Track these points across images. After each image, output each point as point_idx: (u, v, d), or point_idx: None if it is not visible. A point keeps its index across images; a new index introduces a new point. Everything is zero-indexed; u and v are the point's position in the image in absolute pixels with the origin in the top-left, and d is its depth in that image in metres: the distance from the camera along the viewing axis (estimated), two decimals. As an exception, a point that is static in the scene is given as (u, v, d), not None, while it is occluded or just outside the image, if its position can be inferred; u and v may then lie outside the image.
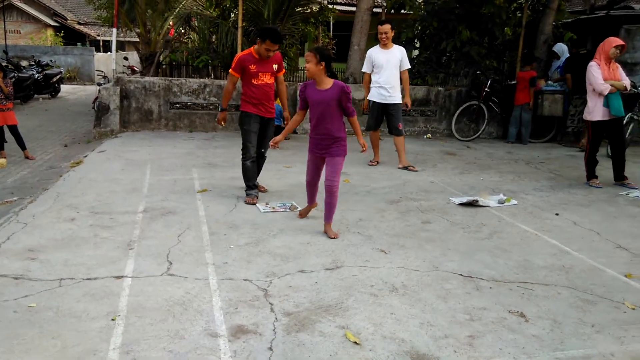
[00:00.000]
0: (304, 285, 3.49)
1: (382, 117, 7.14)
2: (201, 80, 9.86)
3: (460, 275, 3.77)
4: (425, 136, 9.99)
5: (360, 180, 6.46)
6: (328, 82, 4.29)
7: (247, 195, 5.40)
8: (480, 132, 9.82)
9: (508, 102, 9.78)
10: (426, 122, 10.17)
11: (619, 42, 6.35)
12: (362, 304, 3.26)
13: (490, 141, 9.89)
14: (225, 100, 5.44)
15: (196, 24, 12.08)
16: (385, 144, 8.31)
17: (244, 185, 5.50)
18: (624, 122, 8.18)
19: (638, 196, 6.09)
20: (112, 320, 2.94)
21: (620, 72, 6.44)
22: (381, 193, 5.91)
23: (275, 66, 5.38)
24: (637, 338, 2.99)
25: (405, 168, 7.04)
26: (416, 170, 6.99)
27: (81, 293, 3.26)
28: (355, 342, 2.82)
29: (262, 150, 5.59)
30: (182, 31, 14.04)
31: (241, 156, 5.42)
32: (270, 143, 4.72)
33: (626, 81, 6.40)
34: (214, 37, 11.95)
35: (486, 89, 9.60)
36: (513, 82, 9.78)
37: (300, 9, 11.90)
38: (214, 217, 4.85)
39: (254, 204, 5.29)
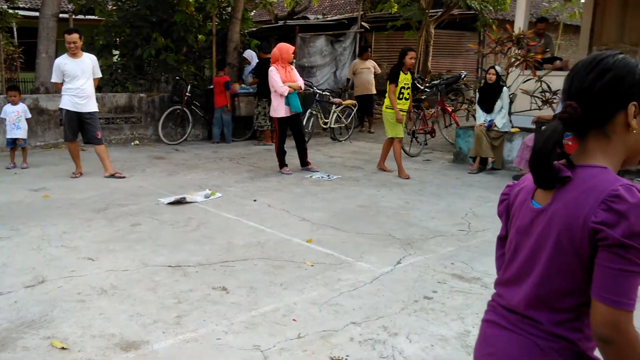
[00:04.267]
0: (2, 307, 3.27)
1: (79, 126, 6.89)
2: None
3: (169, 266, 4.02)
4: (132, 143, 9.92)
5: (63, 193, 6.15)
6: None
7: None
8: (187, 135, 10.22)
9: (210, 106, 10.39)
10: (132, 129, 10.09)
11: (291, 47, 7.43)
12: (68, 313, 3.23)
13: (197, 143, 10.37)
14: None
15: None
16: (89, 154, 7.99)
17: None
18: (306, 117, 9.59)
19: (319, 177, 7.26)
20: None
21: (295, 74, 7.55)
22: (87, 203, 5.75)
23: None
24: (314, 287, 3.69)
25: (112, 176, 6.95)
26: (124, 177, 6.96)
27: None
28: (63, 348, 2.82)
29: None
30: None
31: None
32: None
33: (300, 82, 7.52)
34: None
35: (187, 94, 10.03)
36: (211, 87, 10.42)
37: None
38: None
39: None
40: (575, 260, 1.21)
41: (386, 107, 7.38)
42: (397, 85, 7.22)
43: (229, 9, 11.24)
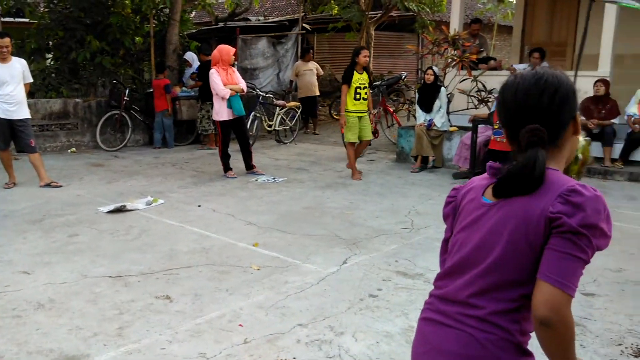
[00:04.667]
0: None
1: (10, 134, 6.58)
2: None
3: (110, 277, 3.91)
4: (69, 150, 9.56)
5: (-6, 205, 5.86)
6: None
7: None
8: (126, 140, 9.95)
9: (150, 110, 10.16)
10: (68, 135, 9.73)
11: (232, 49, 7.37)
12: (3, 329, 3.09)
13: (138, 148, 10.11)
14: None
15: None
16: (23, 163, 7.64)
17: None
18: (250, 120, 9.53)
19: (264, 180, 7.24)
20: None
21: (237, 77, 7.48)
22: (21, 214, 5.50)
23: None
24: (260, 291, 3.68)
25: (48, 185, 6.67)
26: (60, 186, 6.70)
27: None
28: (-3, 368, 2.69)
29: None
30: None
31: None
32: None
33: (242, 84, 7.46)
34: None
35: (125, 98, 9.77)
36: (151, 90, 10.19)
37: None
38: None
39: None
40: (527, 252, 1.26)
41: (346, 111, 7.17)
42: (350, 86, 7.04)
43: (167, 11, 11.02)
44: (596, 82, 7.51)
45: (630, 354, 2.89)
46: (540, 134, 1.29)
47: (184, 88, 10.52)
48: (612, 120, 7.48)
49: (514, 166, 1.30)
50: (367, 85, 7.15)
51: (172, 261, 4.24)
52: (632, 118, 7.36)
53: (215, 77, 7.15)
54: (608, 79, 7.65)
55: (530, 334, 1.33)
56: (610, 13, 7.65)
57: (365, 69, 7.17)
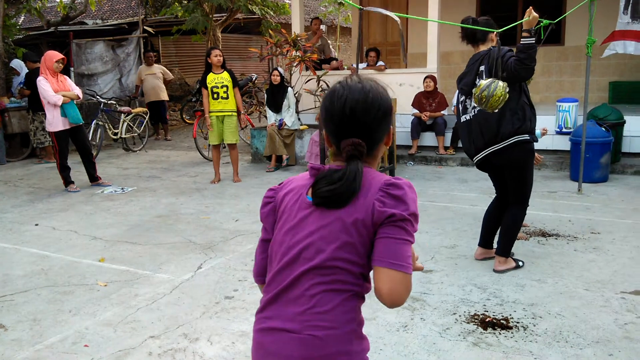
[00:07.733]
0: None
1: None
2: None
3: None
4: None
5: None
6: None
7: None
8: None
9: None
10: None
11: (59, 56, 6.86)
12: None
13: (-39, 168, 8.99)
14: None
15: None
16: None
17: None
18: (92, 129, 8.97)
19: (111, 191, 6.84)
20: None
21: (70, 83, 6.97)
22: None
23: None
24: (108, 307, 3.48)
25: None
26: None
27: None
28: None
29: None
30: None
31: None
32: None
33: (77, 91, 6.97)
34: None
35: (-59, 112, 8.64)
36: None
37: None
38: None
39: None
40: (358, 241, 1.33)
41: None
42: (207, 88, 6.91)
43: (-14, 15, 9.94)
44: (425, 78, 8.19)
45: (463, 321, 3.20)
46: (361, 149, 1.37)
47: (12, 98, 9.58)
48: (442, 112, 8.21)
49: (336, 183, 1.34)
50: (226, 84, 6.95)
51: (6, 287, 3.85)
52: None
53: (44, 83, 6.62)
54: (435, 74, 8.39)
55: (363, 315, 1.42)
56: (432, 16, 8.38)
57: (226, 68, 7.04)
